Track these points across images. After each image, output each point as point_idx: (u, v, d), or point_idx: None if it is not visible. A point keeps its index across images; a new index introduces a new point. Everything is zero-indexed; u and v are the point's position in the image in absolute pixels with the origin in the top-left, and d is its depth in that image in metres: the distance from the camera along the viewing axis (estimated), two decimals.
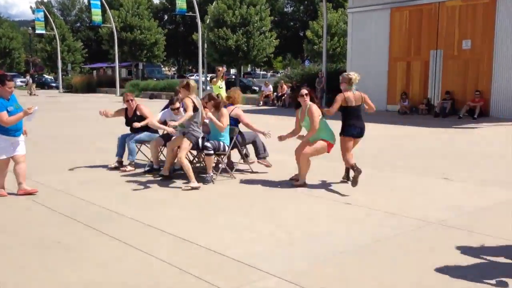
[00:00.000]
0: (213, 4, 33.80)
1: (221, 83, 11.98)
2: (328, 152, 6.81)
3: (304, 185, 6.65)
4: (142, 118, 7.82)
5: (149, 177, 7.30)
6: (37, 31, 44.34)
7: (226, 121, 7.06)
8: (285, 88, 22.79)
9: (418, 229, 4.87)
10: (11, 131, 6.01)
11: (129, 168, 7.80)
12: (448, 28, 17.17)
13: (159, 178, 7.13)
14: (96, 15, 35.30)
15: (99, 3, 34.87)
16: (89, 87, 38.89)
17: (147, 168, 7.64)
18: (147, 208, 5.72)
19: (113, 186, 6.85)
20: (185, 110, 6.75)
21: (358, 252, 4.28)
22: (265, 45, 32.84)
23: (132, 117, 7.97)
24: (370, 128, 13.54)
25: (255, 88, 33.93)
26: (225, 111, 7.14)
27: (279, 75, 46.54)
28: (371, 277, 3.77)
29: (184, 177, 6.84)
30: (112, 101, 28.00)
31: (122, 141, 7.97)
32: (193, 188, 6.56)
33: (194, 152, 7.72)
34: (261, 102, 23.72)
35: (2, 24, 66.65)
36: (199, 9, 27.76)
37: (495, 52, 16.07)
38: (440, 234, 4.74)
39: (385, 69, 18.99)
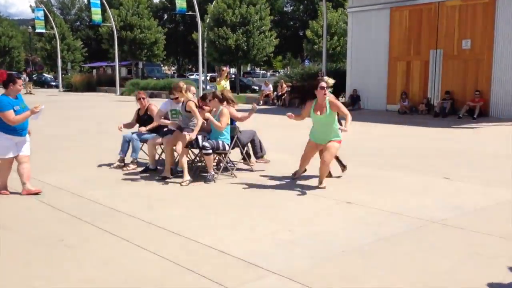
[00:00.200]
0: (213, 3, 33.80)
1: (226, 83, 12.06)
2: None
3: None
4: (151, 118, 7.92)
5: (152, 176, 7.33)
6: (36, 30, 44.27)
7: (226, 120, 7.10)
8: (285, 88, 22.81)
9: (419, 228, 4.91)
10: (16, 130, 6.03)
11: (131, 166, 7.84)
12: (448, 28, 17.20)
13: (159, 177, 7.16)
14: (96, 14, 35.27)
15: (99, 2, 34.83)
16: (89, 86, 38.89)
17: (143, 168, 7.67)
18: (149, 207, 5.75)
19: (116, 185, 6.88)
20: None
21: (359, 251, 4.31)
22: (265, 44, 32.83)
23: (143, 115, 8.10)
24: (370, 127, 13.62)
25: (255, 87, 33.95)
26: (225, 111, 7.17)
27: (279, 74, 46.58)
28: (372, 276, 3.80)
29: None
30: (112, 100, 28.01)
31: (127, 140, 8.02)
32: (186, 182, 6.80)
33: (196, 151, 7.75)
34: (261, 102, 23.74)
35: (1, 23, 66.53)
36: (199, 8, 27.76)
37: (494, 52, 16.10)
38: (441, 233, 4.78)
39: (385, 68, 19.02)
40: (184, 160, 6.97)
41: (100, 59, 56.30)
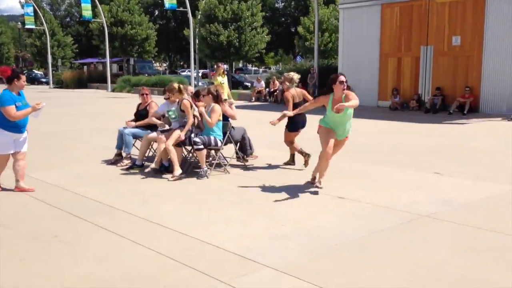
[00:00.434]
0: None
1: (222, 79, 12.13)
2: None
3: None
4: (147, 113, 8.05)
5: (145, 172, 7.35)
6: (26, 26, 43.99)
7: (216, 117, 7.15)
8: (277, 84, 22.85)
9: (410, 222, 4.98)
10: (17, 127, 6.03)
11: (125, 161, 7.87)
12: (438, 25, 17.32)
13: (155, 174, 7.17)
14: (86, 10, 35.07)
15: None
16: (80, 83, 38.69)
17: (129, 165, 7.70)
18: (144, 203, 5.78)
19: (110, 181, 6.89)
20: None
21: (352, 245, 4.37)
22: (256, 40, 32.82)
23: (142, 110, 8.22)
24: (362, 124, 13.70)
25: (247, 84, 33.94)
26: (217, 108, 7.21)
27: (270, 71, 46.60)
28: (366, 269, 3.86)
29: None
30: (104, 97, 27.91)
31: (122, 134, 8.04)
32: (177, 177, 6.85)
33: (189, 148, 7.78)
34: (253, 98, 23.77)
35: None
36: (190, 5, 27.69)
37: (484, 48, 16.25)
38: (433, 227, 4.85)
39: (376, 65, 19.11)
40: (175, 154, 7.02)
41: (90, 55, 55.97)
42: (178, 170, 6.97)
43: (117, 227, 4.86)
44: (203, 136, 7.14)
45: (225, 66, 12.63)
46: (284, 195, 6.09)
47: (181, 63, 74.60)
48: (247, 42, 32.20)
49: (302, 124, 7.57)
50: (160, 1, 61.08)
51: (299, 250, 4.26)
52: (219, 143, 7.28)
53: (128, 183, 6.77)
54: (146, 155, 7.90)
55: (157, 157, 7.31)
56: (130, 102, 21.51)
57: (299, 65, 25.41)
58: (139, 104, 8.45)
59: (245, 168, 7.71)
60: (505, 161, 8.19)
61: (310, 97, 7.65)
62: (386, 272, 3.79)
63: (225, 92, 11.58)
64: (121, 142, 8.00)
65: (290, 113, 6.81)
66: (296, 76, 7.66)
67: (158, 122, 7.65)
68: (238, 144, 7.91)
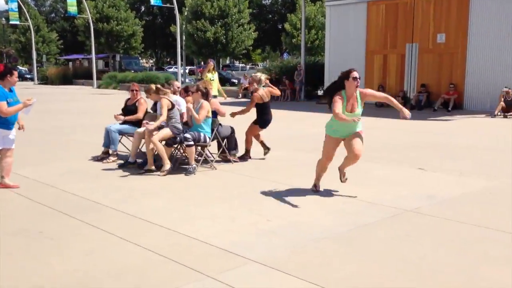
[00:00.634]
0: None
1: (212, 76, 12.16)
2: None
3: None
4: (137, 109, 8.01)
5: (132, 169, 7.34)
6: (10, 22, 43.46)
7: (204, 113, 7.16)
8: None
9: (394, 217, 5.06)
10: (8, 124, 5.98)
11: (112, 158, 7.85)
12: (423, 22, 17.50)
13: (142, 171, 7.16)
14: (72, 6, 34.75)
15: None
16: (65, 79, 38.35)
17: (123, 162, 7.67)
18: (130, 199, 5.78)
19: (95, 178, 6.88)
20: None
21: (337, 240, 4.43)
22: (243, 37, 32.86)
23: (130, 106, 8.19)
24: None
25: (234, 80, 33.94)
26: (206, 104, 7.22)
27: (258, 67, 46.58)
28: (350, 262, 3.93)
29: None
30: (89, 93, 27.70)
31: (108, 132, 8.01)
32: (167, 171, 6.93)
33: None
34: (240, 95, 23.79)
35: None
36: (177, 1, 27.56)
37: (468, 45, 16.46)
38: (416, 221, 4.94)
39: (362, 62, 19.24)
40: (163, 149, 7.05)
41: (76, 51, 55.48)
42: (167, 165, 7.00)
43: (104, 223, 4.87)
44: (193, 132, 7.16)
45: (214, 63, 12.61)
46: (271, 191, 6.14)
47: (168, 60, 74.26)
48: (234, 38, 32.21)
49: (270, 121, 8.09)
50: None
51: (285, 244, 4.31)
52: (208, 140, 7.31)
53: (115, 180, 6.77)
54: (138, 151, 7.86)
55: (149, 157, 7.22)
56: (116, 98, 21.40)
57: (286, 62, 25.44)
58: (128, 100, 8.42)
59: (232, 164, 7.74)
60: (487, 157, 8.33)
61: (277, 91, 8.35)
62: (369, 265, 3.86)
63: (214, 88, 11.60)
64: (108, 140, 7.97)
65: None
66: (264, 77, 8.03)
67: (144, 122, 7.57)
68: (225, 141, 7.94)
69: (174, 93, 7.93)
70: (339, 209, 5.36)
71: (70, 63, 49.18)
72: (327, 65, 20.47)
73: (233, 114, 8.05)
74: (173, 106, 7.29)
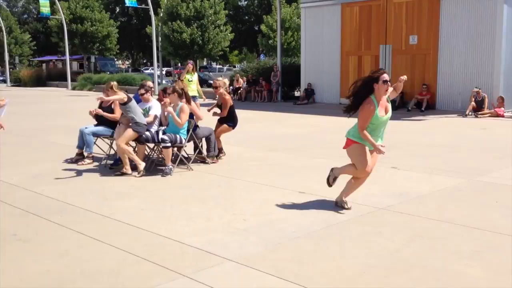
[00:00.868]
0: None
1: (191, 77, 12.13)
2: None
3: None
4: (113, 111, 7.90)
5: (106, 170, 7.30)
6: None
7: (185, 117, 7.18)
8: (241, 82, 22.94)
9: (367, 215, 5.17)
10: None
11: (87, 161, 7.78)
12: (396, 24, 17.79)
13: (118, 173, 7.09)
14: (45, 7, 34.18)
15: None
16: (39, 81, 37.67)
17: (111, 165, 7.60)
18: (105, 201, 5.76)
19: (69, 180, 6.82)
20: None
21: (311, 237, 4.51)
22: (220, 38, 32.83)
23: (106, 108, 8.03)
24: (323, 120, 13.95)
25: (211, 82, 33.86)
26: (186, 108, 7.23)
27: (235, 69, 46.60)
28: (324, 259, 4.00)
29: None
30: (64, 95, 27.30)
31: (82, 133, 7.93)
32: (143, 172, 6.96)
33: (152, 145, 7.77)
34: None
35: None
36: (152, 2, 27.40)
37: (440, 47, 16.80)
38: (387, 219, 5.05)
39: (337, 63, 19.46)
40: (129, 150, 7.09)
41: (49, 53, 54.56)
42: (140, 165, 7.01)
43: (77, 225, 4.84)
44: (170, 133, 7.16)
45: (192, 64, 12.56)
46: (245, 190, 6.19)
47: (144, 61, 73.64)
48: (211, 40, 32.17)
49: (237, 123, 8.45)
50: None
51: (259, 242, 4.36)
52: (183, 141, 7.32)
53: (90, 181, 6.72)
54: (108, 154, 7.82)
55: (138, 160, 7.18)
56: (91, 100, 21.10)
57: (262, 63, 25.54)
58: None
59: (208, 165, 7.76)
60: (457, 156, 8.55)
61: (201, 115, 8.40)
62: (343, 262, 3.94)
63: (193, 90, 11.60)
64: (82, 141, 7.90)
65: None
66: (226, 81, 9.19)
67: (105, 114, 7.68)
68: (201, 143, 7.96)
69: (147, 92, 7.78)
70: (314, 207, 5.44)
71: (44, 64, 48.35)
72: (303, 66, 20.63)
73: (214, 114, 8.33)
74: (127, 101, 7.04)
